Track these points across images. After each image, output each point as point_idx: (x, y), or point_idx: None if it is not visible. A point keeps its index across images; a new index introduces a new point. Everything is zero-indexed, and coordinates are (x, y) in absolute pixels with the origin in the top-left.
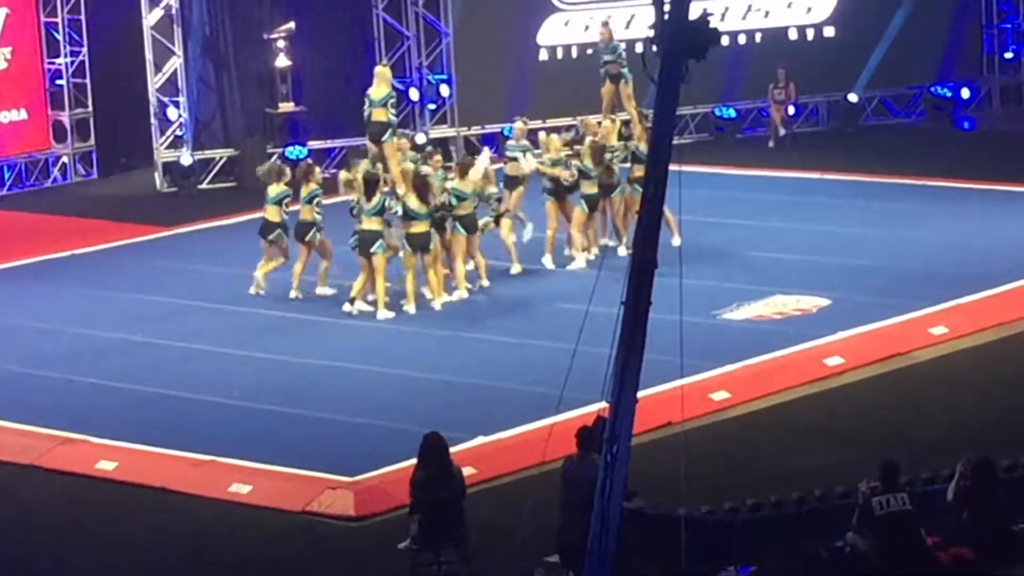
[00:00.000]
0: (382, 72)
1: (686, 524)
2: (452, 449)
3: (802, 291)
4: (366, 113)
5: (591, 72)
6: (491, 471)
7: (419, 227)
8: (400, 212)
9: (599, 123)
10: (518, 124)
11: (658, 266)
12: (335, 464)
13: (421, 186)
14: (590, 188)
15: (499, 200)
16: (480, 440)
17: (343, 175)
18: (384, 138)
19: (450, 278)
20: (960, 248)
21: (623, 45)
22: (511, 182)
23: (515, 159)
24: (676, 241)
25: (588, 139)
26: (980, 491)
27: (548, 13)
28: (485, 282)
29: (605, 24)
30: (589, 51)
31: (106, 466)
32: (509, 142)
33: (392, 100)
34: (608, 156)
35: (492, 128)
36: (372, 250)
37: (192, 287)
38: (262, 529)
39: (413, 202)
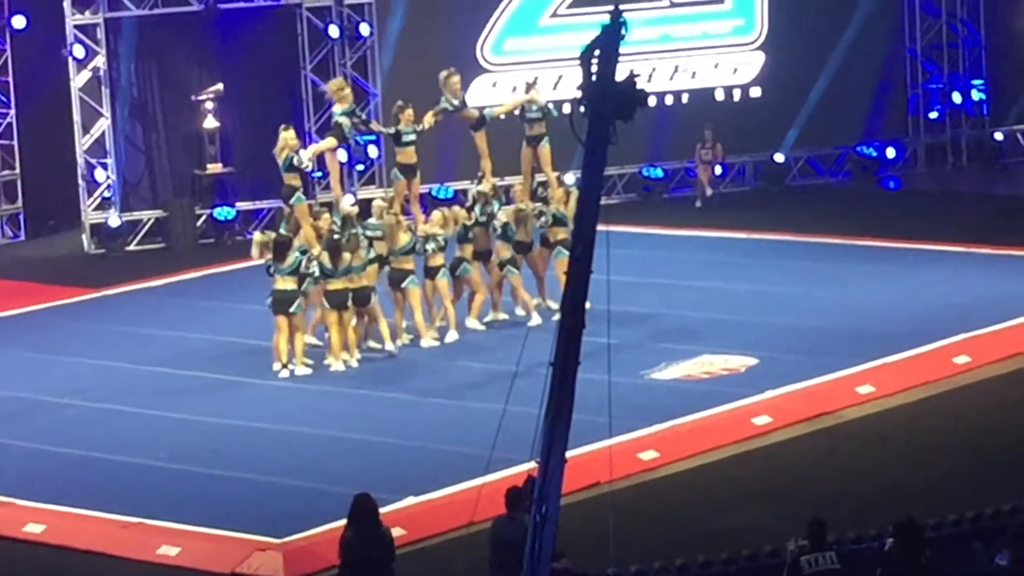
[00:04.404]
0: (284, 136)
1: None
2: (382, 510)
3: (730, 351)
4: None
5: (519, 132)
6: (420, 532)
7: (335, 284)
8: (317, 271)
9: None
10: (436, 215)
11: (585, 326)
12: (264, 525)
13: (331, 251)
14: (507, 251)
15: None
16: (410, 500)
17: (258, 236)
18: (292, 200)
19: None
20: (886, 307)
21: (551, 105)
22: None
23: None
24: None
25: (513, 206)
26: (905, 551)
27: (476, 74)
28: (390, 346)
29: (531, 85)
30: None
31: (34, 529)
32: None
33: (295, 160)
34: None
35: (422, 188)
36: (291, 310)
37: (119, 349)
38: None
39: (327, 260)
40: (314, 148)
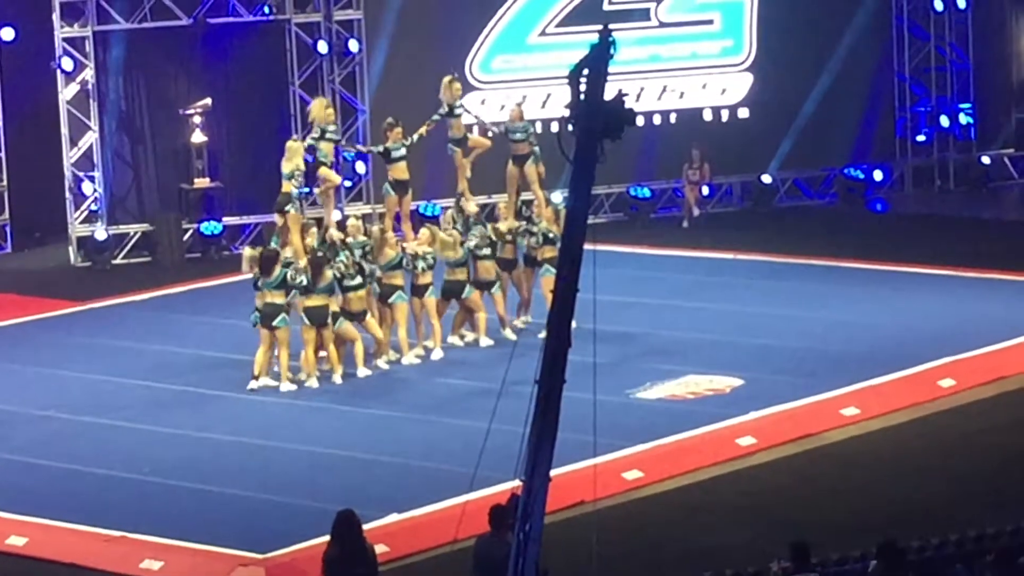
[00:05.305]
0: (293, 147)
1: None
2: (365, 526)
3: (715, 371)
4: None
5: (505, 151)
6: (403, 549)
7: (316, 300)
8: (304, 283)
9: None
10: (424, 233)
11: (571, 345)
12: (247, 540)
13: (314, 267)
14: (493, 270)
15: (430, 268)
16: (393, 517)
17: (247, 251)
18: (286, 208)
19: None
20: (872, 329)
21: (534, 125)
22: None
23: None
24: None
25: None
26: (888, 573)
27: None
28: (362, 371)
29: (518, 104)
30: (495, 130)
31: (16, 542)
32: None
33: (299, 173)
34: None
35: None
36: (275, 323)
37: (104, 362)
38: None
39: (309, 275)
40: (320, 189)
